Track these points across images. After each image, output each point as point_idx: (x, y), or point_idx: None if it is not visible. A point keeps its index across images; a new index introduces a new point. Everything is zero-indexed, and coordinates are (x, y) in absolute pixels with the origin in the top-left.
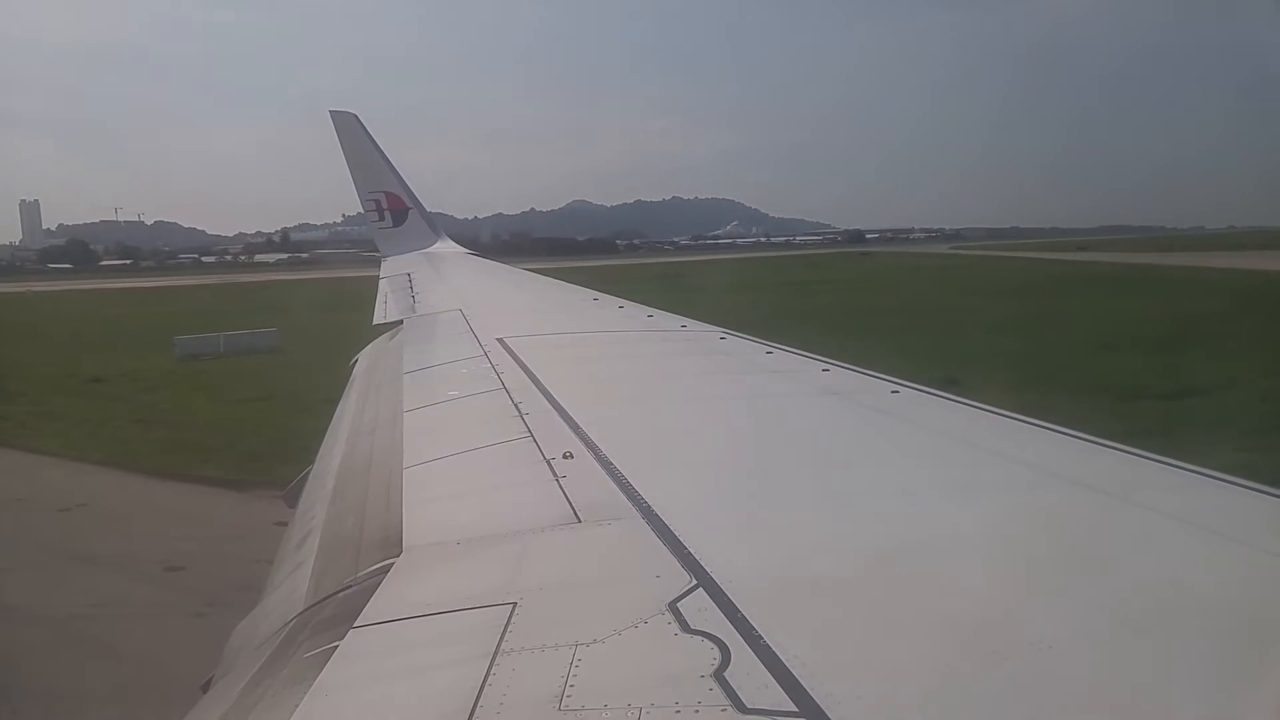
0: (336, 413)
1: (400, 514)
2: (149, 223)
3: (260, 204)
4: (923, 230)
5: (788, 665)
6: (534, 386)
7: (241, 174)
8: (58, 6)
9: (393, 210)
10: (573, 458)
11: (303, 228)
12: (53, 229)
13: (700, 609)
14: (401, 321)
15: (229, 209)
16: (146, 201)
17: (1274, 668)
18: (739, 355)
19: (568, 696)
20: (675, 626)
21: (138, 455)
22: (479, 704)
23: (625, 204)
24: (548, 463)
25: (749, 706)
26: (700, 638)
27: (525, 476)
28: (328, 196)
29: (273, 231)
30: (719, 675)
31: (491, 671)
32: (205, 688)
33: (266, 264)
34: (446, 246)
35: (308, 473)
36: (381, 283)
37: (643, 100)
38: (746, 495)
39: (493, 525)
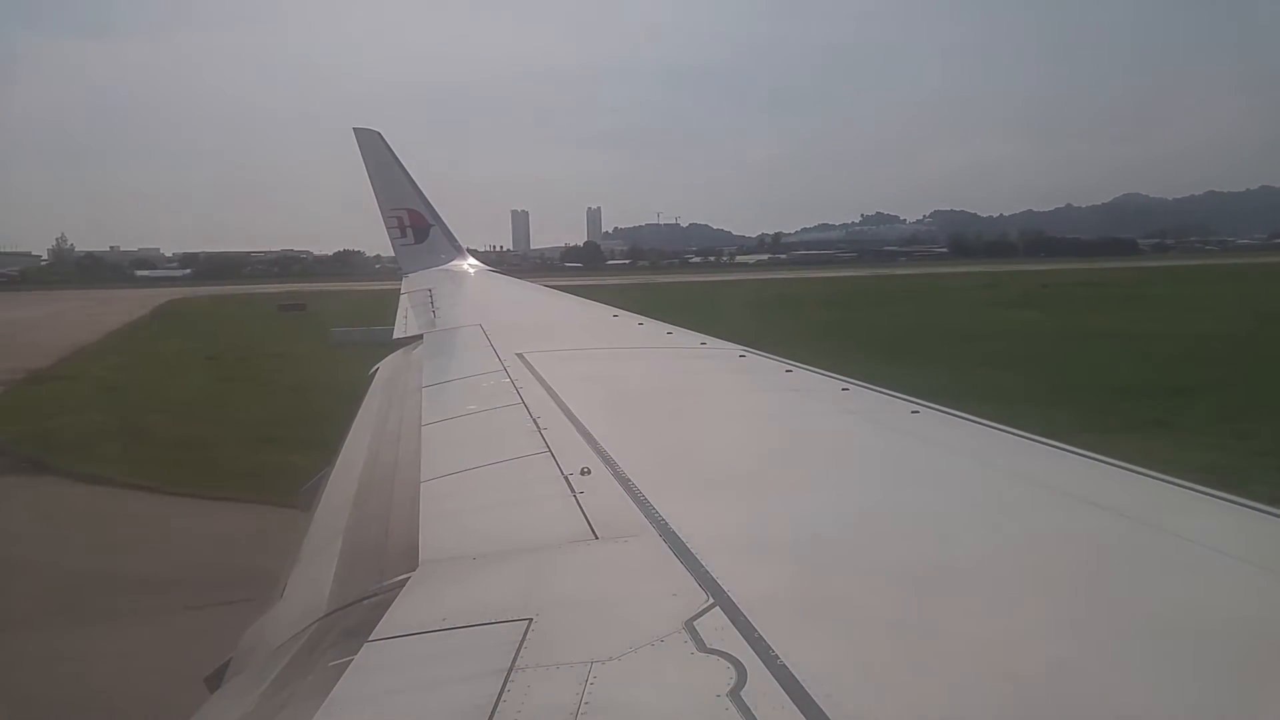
0: (355, 422)
1: (417, 528)
2: (684, 225)
3: (782, 204)
4: None
5: (804, 686)
6: (553, 402)
7: (769, 175)
8: (633, 36)
9: (415, 227)
10: (591, 474)
11: (822, 228)
12: (610, 231)
13: (717, 628)
14: (421, 336)
15: (754, 210)
16: (684, 205)
17: None
18: (758, 373)
19: (582, 714)
20: (691, 645)
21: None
22: None
23: (1191, 196)
24: (565, 479)
25: None
26: (716, 657)
27: (543, 492)
28: (847, 195)
29: (792, 233)
30: (735, 695)
31: (506, 688)
32: (210, 682)
33: (745, 264)
34: (467, 263)
35: (321, 479)
36: (402, 298)
37: (1216, 73)
38: (764, 514)
39: (509, 540)
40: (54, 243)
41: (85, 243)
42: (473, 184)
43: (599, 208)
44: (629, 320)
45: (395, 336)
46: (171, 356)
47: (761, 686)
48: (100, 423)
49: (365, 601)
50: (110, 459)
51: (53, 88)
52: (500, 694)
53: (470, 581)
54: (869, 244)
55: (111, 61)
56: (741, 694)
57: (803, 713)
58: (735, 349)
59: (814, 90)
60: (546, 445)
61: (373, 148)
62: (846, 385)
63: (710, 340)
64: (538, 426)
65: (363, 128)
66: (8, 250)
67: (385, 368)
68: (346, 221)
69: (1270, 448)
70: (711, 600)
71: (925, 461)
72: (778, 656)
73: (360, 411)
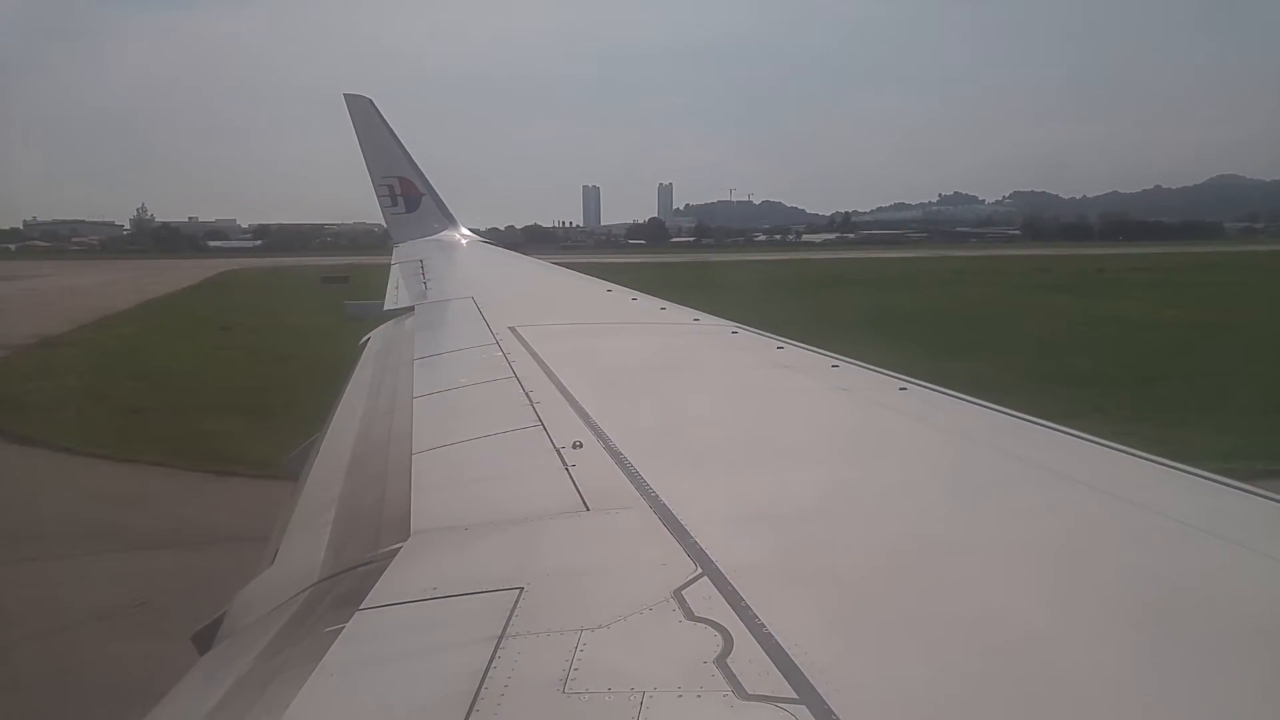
0: (346, 392)
1: (408, 498)
2: (757, 202)
3: (858, 182)
4: None
5: (789, 654)
6: (545, 375)
7: (847, 153)
8: (690, 13)
9: (406, 196)
10: (582, 447)
11: (898, 207)
12: (681, 208)
13: (704, 597)
14: (413, 307)
15: (830, 188)
16: (758, 182)
17: (1273, 671)
18: (750, 349)
19: (572, 680)
20: (679, 614)
21: None
22: (484, 686)
23: None
24: (557, 451)
25: (750, 693)
26: (704, 625)
27: (535, 465)
28: (925, 175)
29: (867, 211)
30: (721, 662)
31: (497, 655)
32: (198, 641)
33: (811, 243)
34: (459, 233)
35: (310, 446)
36: (393, 268)
37: None
38: (753, 487)
39: (501, 512)
40: (135, 213)
41: (165, 214)
42: (545, 159)
43: (670, 184)
44: (622, 295)
45: (386, 308)
46: (186, 326)
47: (747, 654)
48: (70, 388)
49: (356, 571)
50: (55, 421)
51: (139, 63)
52: (491, 661)
53: (462, 551)
54: (944, 224)
55: (195, 36)
56: (728, 661)
57: (787, 679)
58: (727, 325)
59: (895, 66)
60: (539, 418)
61: (363, 114)
62: (836, 362)
63: (703, 316)
64: (530, 400)
65: (353, 94)
66: (95, 220)
67: (376, 339)
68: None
69: (1187, 440)
70: (699, 570)
71: (911, 437)
72: (764, 625)
73: (351, 382)
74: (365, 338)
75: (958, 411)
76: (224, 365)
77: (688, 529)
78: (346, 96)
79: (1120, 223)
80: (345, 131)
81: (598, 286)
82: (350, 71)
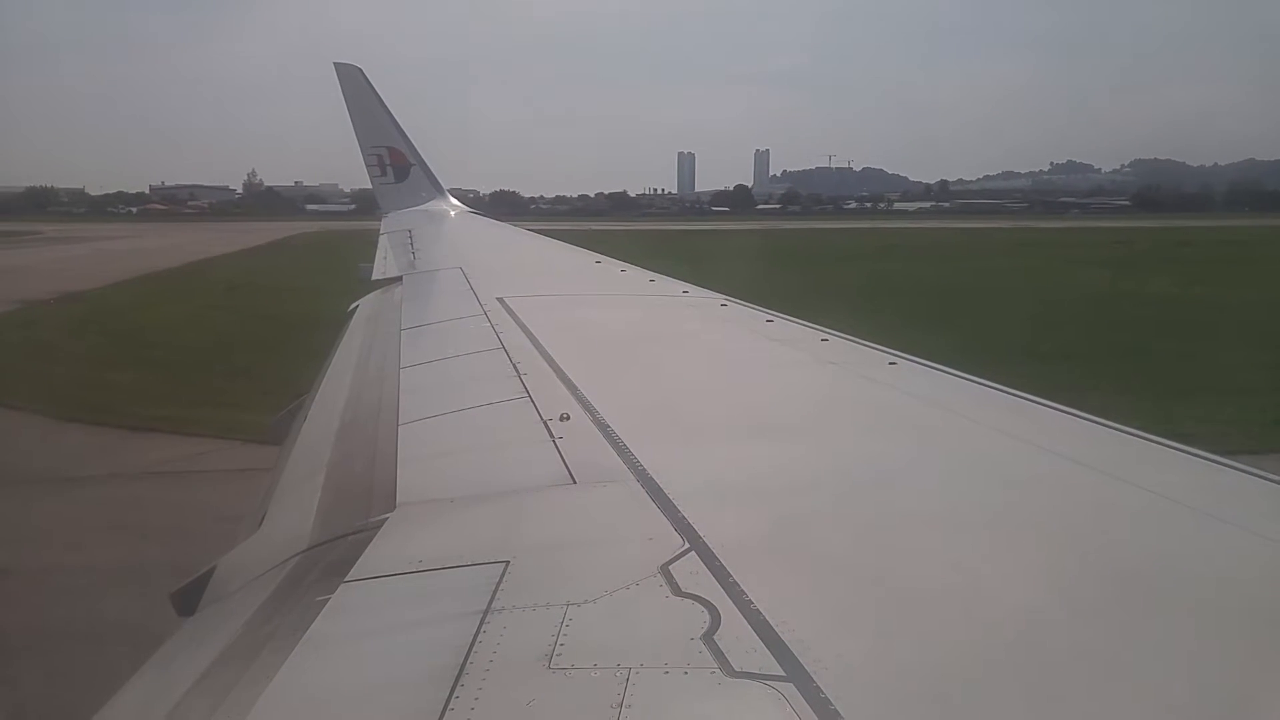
0: (331, 361)
1: (394, 470)
2: (857, 169)
3: (965, 149)
4: None
5: (777, 630)
6: (533, 347)
7: (952, 119)
8: None
9: (395, 166)
10: (570, 419)
11: (1006, 175)
12: (778, 175)
13: (692, 572)
14: (400, 278)
15: (935, 155)
16: (859, 149)
17: (1264, 651)
18: (739, 322)
19: (557, 655)
20: (666, 589)
21: None
22: (469, 661)
23: None
24: (545, 424)
25: (737, 670)
26: (691, 601)
27: (521, 437)
28: (1038, 141)
29: (973, 180)
30: (708, 638)
31: (482, 629)
32: (178, 604)
33: (905, 212)
34: (448, 204)
35: (294, 412)
36: (381, 238)
37: None
38: (741, 461)
39: (487, 484)
40: (246, 177)
41: (274, 178)
42: (642, 125)
43: (767, 150)
44: (611, 266)
45: (374, 277)
46: (204, 285)
47: (734, 630)
48: (29, 341)
49: (341, 543)
50: None
51: (260, 37)
52: (476, 635)
53: (447, 524)
54: (1054, 194)
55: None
56: (714, 637)
57: (774, 656)
58: (717, 298)
59: (1008, 25)
60: (526, 390)
61: (353, 84)
62: (826, 336)
63: (692, 289)
64: (517, 371)
65: (343, 63)
66: (212, 184)
67: (364, 307)
68: (516, 161)
69: None
70: (687, 545)
71: (900, 411)
72: (751, 601)
73: (338, 350)
74: (353, 305)
75: (948, 386)
76: (195, 325)
77: (675, 503)
78: (336, 65)
79: (1251, 192)
80: (437, 101)
81: (587, 258)
82: (449, 40)
